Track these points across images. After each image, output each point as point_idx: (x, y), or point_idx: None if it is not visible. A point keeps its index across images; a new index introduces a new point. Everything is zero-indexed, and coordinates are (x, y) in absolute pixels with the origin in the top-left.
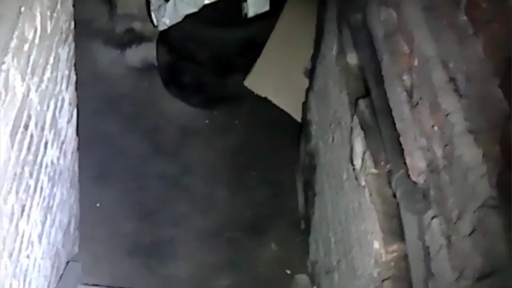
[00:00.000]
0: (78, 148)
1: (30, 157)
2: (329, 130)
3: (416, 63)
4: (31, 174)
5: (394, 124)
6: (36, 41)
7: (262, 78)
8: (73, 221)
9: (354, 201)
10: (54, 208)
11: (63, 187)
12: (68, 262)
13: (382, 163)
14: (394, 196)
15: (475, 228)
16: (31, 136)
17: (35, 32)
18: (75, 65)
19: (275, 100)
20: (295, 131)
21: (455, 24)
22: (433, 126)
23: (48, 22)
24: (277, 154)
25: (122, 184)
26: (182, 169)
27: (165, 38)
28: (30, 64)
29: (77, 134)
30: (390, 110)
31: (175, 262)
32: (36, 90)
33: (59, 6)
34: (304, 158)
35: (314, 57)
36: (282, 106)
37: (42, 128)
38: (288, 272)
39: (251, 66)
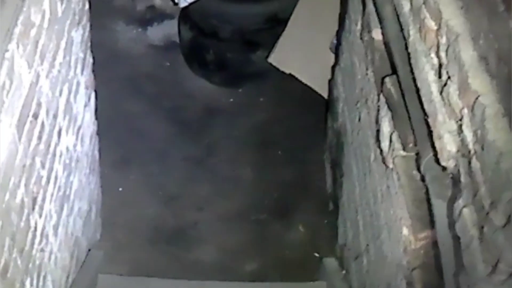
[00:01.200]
0: (98, 132)
1: (42, 146)
2: (355, 108)
3: (444, 40)
4: (43, 165)
5: (422, 104)
6: (45, 25)
7: (287, 54)
8: (94, 208)
9: (382, 184)
10: (72, 197)
11: (81, 174)
12: (89, 250)
13: (411, 145)
14: (423, 180)
15: (510, 219)
16: (42, 124)
17: (43, 16)
18: (91, 46)
19: (300, 77)
20: (322, 109)
21: None
22: (463, 108)
23: (59, 4)
24: (304, 133)
25: (144, 167)
26: (206, 150)
27: (187, 15)
28: (39, 50)
29: (96, 118)
30: (418, 90)
31: (199, 247)
32: (47, 76)
33: None
34: (332, 137)
35: (339, 32)
36: (308, 83)
37: (55, 116)
38: (317, 255)
39: (275, 42)
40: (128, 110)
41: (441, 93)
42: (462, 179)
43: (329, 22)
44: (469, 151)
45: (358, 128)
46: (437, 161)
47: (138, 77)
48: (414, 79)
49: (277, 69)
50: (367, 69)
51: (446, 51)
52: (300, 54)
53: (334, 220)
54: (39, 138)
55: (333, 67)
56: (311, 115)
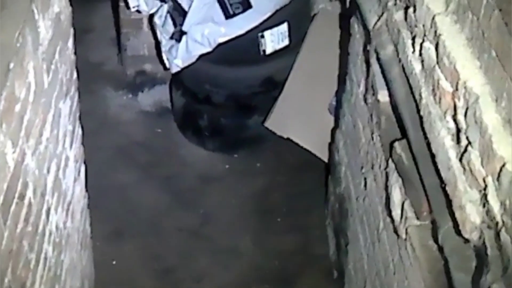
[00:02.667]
0: (89, 205)
1: (29, 228)
2: (360, 173)
3: (462, 102)
4: (31, 247)
5: (438, 171)
6: (30, 99)
7: (284, 118)
8: (86, 284)
9: (394, 255)
10: (63, 276)
11: (72, 251)
12: None
13: (425, 213)
14: (441, 251)
15: None
16: (29, 205)
17: (29, 89)
18: (80, 118)
19: (299, 141)
20: (322, 173)
21: (508, 56)
22: (487, 176)
23: (45, 76)
24: (304, 198)
25: (139, 239)
26: (203, 219)
27: (179, 80)
28: (24, 126)
29: (87, 191)
30: (433, 156)
31: None
32: (33, 154)
33: (57, 56)
34: (334, 202)
35: (339, 93)
36: (306, 147)
37: (43, 194)
38: None
39: (271, 106)
40: (120, 180)
41: (460, 160)
42: (489, 252)
43: (326, 83)
44: (497, 223)
45: (364, 194)
46: (457, 231)
47: (129, 145)
48: (428, 144)
49: (275, 133)
50: (372, 132)
51: (465, 114)
52: (298, 117)
53: None
54: (26, 220)
55: (333, 130)
56: (310, 180)
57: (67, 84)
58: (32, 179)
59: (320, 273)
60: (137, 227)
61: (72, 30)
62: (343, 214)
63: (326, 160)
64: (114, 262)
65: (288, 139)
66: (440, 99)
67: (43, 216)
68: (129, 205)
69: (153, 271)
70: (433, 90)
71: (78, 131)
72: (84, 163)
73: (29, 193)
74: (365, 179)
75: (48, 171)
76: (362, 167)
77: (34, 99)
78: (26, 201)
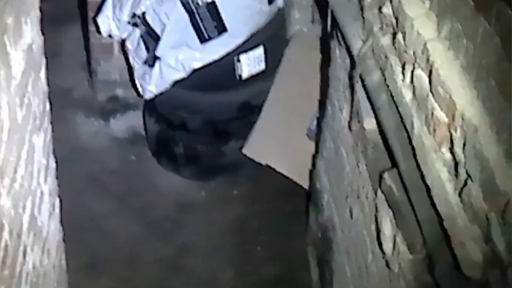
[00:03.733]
0: (64, 239)
1: (6, 272)
2: (345, 203)
3: (459, 133)
4: None
5: (434, 205)
6: (4, 137)
7: (262, 144)
8: None
9: None
10: None
11: None
12: None
13: (419, 247)
14: (438, 286)
15: None
16: (6, 248)
17: (2, 127)
18: (53, 151)
19: (278, 167)
20: (303, 200)
21: (508, 84)
22: (490, 213)
23: (18, 111)
24: (284, 226)
25: (114, 272)
26: (180, 249)
27: (153, 106)
28: None
29: (62, 224)
30: (428, 189)
31: None
32: (8, 193)
33: (30, 88)
34: (316, 231)
35: (319, 119)
36: (286, 173)
37: (19, 235)
38: None
39: (248, 132)
40: (94, 211)
41: (459, 194)
42: None
43: (305, 107)
44: (502, 261)
45: (349, 225)
46: (457, 267)
47: (102, 174)
48: (422, 176)
49: (252, 160)
50: (358, 161)
51: (463, 147)
52: (276, 143)
53: None
54: (3, 263)
55: (314, 156)
56: (290, 207)
57: (40, 117)
58: (8, 220)
59: None
60: (113, 259)
61: (44, 60)
62: (327, 243)
63: (306, 187)
64: None
65: (266, 165)
66: (434, 130)
67: (20, 258)
68: (104, 236)
69: None
70: (427, 120)
71: (52, 163)
72: (59, 196)
73: (6, 236)
74: (350, 209)
75: (24, 210)
76: (347, 196)
77: (8, 137)
78: (2, 244)
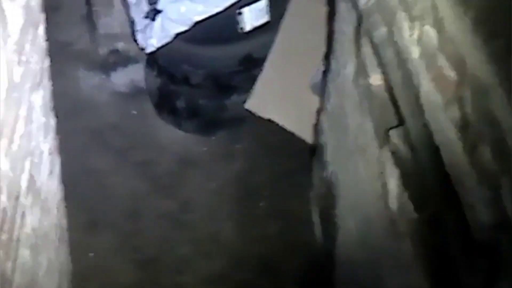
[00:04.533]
0: (64, 197)
1: (4, 237)
2: (349, 159)
3: (469, 93)
4: (8, 256)
5: (443, 164)
6: (2, 96)
7: (265, 98)
8: (64, 281)
9: (392, 248)
10: (40, 278)
11: (50, 250)
12: None
13: (426, 207)
14: (446, 247)
15: None
16: (4, 211)
17: None
18: (54, 107)
19: (281, 122)
20: (306, 155)
21: None
22: (501, 175)
23: (16, 69)
24: (287, 181)
25: (116, 229)
26: (182, 205)
27: (154, 60)
28: None
29: (62, 181)
30: (436, 148)
31: None
32: (6, 155)
33: (28, 46)
34: (319, 186)
35: (324, 73)
36: (289, 128)
37: (17, 197)
38: None
39: (251, 86)
40: (94, 166)
41: (469, 155)
42: (504, 255)
43: (309, 61)
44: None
45: (354, 182)
46: (467, 229)
47: (103, 129)
48: (430, 134)
49: (255, 114)
50: (363, 118)
51: (473, 106)
52: (279, 97)
53: (328, 275)
54: (1, 227)
55: (318, 111)
56: (293, 162)
57: (40, 74)
58: (6, 182)
59: (306, 260)
60: (114, 216)
61: (43, 16)
62: (331, 200)
63: (310, 141)
64: (91, 255)
65: (269, 120)
66: (443, 88)
67: (18, 221)
68: (104, 193)
69: (133, 262)
70: (435, 78)
71: (52, 121)
72: (58, 154)
73: (3, 198)
74: (355, 165)
75: (23, 171)
76: (351, 153)
77: (6, 96)
78: (0, 207)
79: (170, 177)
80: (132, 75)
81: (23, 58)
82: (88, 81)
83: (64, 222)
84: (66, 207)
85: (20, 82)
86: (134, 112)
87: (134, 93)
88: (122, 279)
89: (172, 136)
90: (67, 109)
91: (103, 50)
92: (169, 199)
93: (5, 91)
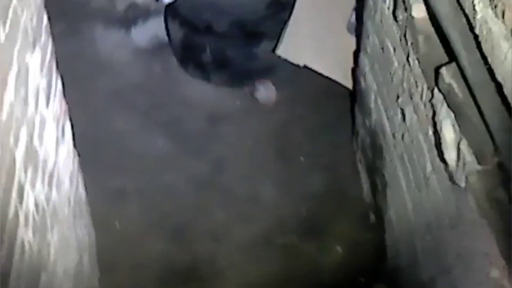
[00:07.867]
0: (81, 165)
1: None
2: (396, 104)
3: None
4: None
5: (507, 104)
6: None
7: (298, 42)
8: (85, 256)
9: (449, 205)
10: (52, 259)
11: (62, 226)
12: None
13: (490, 156)
14: None
15: None
16: None
17: None
18: (57, 67)
19: (317, 67)
20: (347, 103)
21: None
22: None
23: (0, 28)
24: (328, 132)
25: (143, 196)
26: (215, 166)
27: (175, 10)
28: None
29: (76, 149)
30: (498, 84)
31: (219, 284)
32: None
33: (15, 1)
34: (364, 136)
35: (360, 10)
36: (326, 73)
37: (10, 174)
38: (362, 280)
39: (281, 30)
40: (118, 128)
41: None
42: None
43: None
44: None
45: (402, 129)
46: None
47: (126, 88)
48: (490, 70)
49: (288, 61)
50: (408, 56)
51: None
52: (313, 41)
53: (377, 235)
54: None
55: (357, 53)
56: (334, 111)
57: (34, 32)
58: None
59: (354, 218)
60: (140, 182)
61: None
62: (377, 151)
63: (350, 87)
64: (117, 225)
65: (304, 66)
66: (504, 12)
67: (14, 199)
68: (129, 156)
69: (162, 232)
70: (493, 1)
71: (57, 84)
72: (70, 120)
73: None
74: (402, 111)
75: (17, 143)
76: (397, 97)
77: None
78: None
79: (200, 136)
80: (153, 30)
81: (9, 15)
82: (107, 39)
83: (82, 192)
84: (83, 176)
85: (5, 43)
86: (158, 68)
87: (157, 48)
88: (152, 250)
89: (199, 92)
90: (86, 70)
91: (121, 6)
92: (200, 160)
93: None
